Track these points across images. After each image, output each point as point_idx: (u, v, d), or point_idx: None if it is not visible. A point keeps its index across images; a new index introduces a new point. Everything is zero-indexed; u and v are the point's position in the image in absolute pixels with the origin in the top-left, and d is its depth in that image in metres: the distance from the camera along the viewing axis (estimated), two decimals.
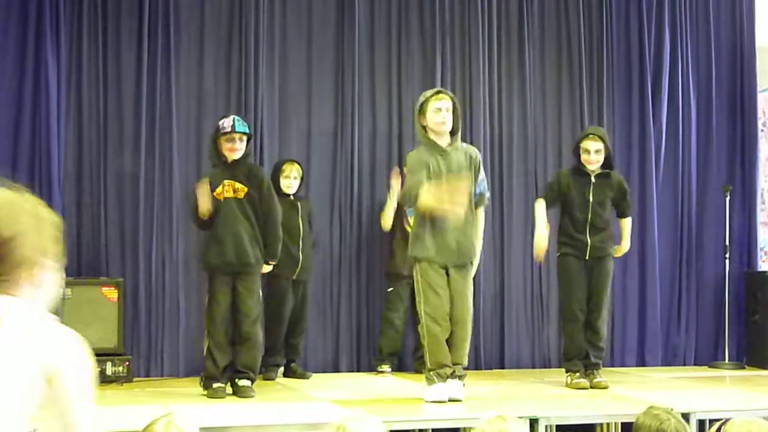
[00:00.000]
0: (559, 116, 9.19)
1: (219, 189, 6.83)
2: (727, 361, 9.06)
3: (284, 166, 7.90)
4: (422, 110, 6.58)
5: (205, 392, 6.75)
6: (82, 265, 7.88)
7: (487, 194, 6.81)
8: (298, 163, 8.03)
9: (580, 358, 7.43)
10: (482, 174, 6.71)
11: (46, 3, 7.76)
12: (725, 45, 9.63)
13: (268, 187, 6.99)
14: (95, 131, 8.00)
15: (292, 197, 7.86)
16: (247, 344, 6.82)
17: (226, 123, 6.89)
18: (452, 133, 6.62)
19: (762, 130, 9.75)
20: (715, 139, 9.48)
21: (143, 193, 8.02)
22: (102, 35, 8.03)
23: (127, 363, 7.46)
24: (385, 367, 8.12)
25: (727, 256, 9.17)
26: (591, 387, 7.29)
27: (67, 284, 7.39)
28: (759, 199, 9.58)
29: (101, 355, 7.40)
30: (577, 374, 7.38)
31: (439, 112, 6.52)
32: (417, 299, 6.58)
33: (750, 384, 8.12)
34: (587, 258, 7.43)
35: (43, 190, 7.68)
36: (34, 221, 2.39)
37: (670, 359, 9.22)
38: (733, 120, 9.57)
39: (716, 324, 9.29)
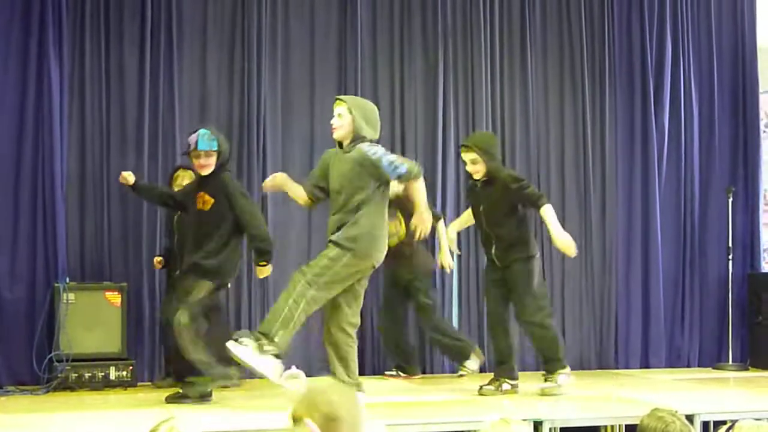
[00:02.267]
0: (562, 119, 9.19)
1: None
2: (731, 362, 9.05)
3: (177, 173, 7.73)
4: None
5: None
6: (86, 270, 7.89)
7: (403, 168, 6.35)
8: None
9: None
10: (382, 159, 6.34)
11: (48, 6, 7.77)
12: (727, 46, 9.63)
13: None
14: (98, 135, 8.01)
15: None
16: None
17: (191, 139, 6.85)
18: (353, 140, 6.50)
19: (764, 131, 9.74)
20: (717, 140, 9.48)
21: None
22: (104, 38, 8.05)
23: (130, 367, 7.47)
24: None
25: (731, 257, 9.17)
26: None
27: (71, 289, 7.41)
28: (762, 201, 9.57)
29: (105, 359, 7.42)
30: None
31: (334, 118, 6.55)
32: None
33: (754, 385, 8.11)
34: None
35: (47, 194, 7.71)
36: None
37: (673, 361, 9.22)
38: (735, 121, 9.57)
39: (720, 325, 9.29)
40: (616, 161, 9.24)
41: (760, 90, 9.63)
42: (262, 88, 8.36)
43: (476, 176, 7.13)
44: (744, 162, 9.55)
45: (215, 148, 6.79)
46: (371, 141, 6.48)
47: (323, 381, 2.87)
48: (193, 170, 7.08)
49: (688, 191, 9.37)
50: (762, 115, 9.67)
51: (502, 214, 7.11)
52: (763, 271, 9.47)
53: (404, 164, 6.37)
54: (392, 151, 8.62)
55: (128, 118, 8.09)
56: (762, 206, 9.56)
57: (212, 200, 6.78)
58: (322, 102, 8.59)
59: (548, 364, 7.23)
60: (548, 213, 6.93)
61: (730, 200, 9.19)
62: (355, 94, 8.54)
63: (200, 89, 8.33)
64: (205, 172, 6.81)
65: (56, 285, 7.44)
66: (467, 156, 7.12)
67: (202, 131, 6.81)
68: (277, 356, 6.20)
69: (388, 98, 8.77)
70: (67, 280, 7.49)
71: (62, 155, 7.79)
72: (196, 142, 6.75)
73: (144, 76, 8.09)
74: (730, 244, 9.18)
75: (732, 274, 9.18)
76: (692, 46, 9.47)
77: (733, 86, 9.60)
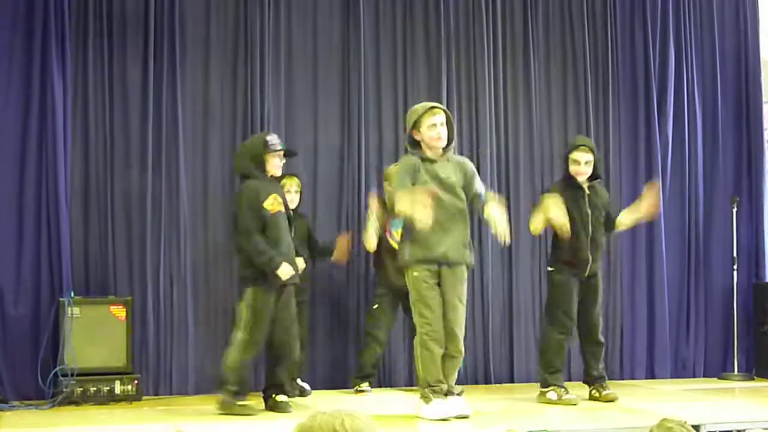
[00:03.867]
0: (565, 128, 9.19)
1: (271, 201, 6.91)
2: (736, 372, 9.03)
3: (283, 181, 7.81)
4: (416, 125, 6.60)
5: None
6: (90, 283, 7.88)
7: (491, 191, 6.81)
8: (297, 176, 8.01)
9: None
10: (477, 178, 6.72)
11: (51, 20, 7.77)
12: (730, 56, 9.64)
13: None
14: (102, 148, 8.01)
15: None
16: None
17: (275, 139, 7.08)
18: (446, 146, 6.66)
19: None
20: (721, 150, 9.48)
21: (150, 210, 8.02)
22: (108, 51, 8.05)
23: (136, 381, 7.47)
24: (365, 386, 8.05)
25: (735, 267, 9.17)
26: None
27: (75, 303, 7.40)
28: (766, 210, 9.56)
29: (110, 374, 7.41)
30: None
31: (434, 128, 6.56)
32: (413, 312, 6.59)
33: (760, 395, 8.11)
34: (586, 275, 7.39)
35: (50, 208, 7.70)
36: None
37: (679, 371, 9.21)
38: (739, 131, 9.57)
39: (725, 335, 9.28)
40: (619, 171, 9.24)
41: (764, 100, 9.63)
42: (265, 97, 8.37)
43: (583, 177, 7.36)
44: (748, 172, 9.55)
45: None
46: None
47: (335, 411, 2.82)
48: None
49: (693, 201, 9.37)
50: (766, 125, 9.67)
51: (602, 220, 7.43)
52: (767, 280, 9.46)
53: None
54: (396, 159, 8.63)
55: (132, 131, 8.09)
56: (767, 216, 9.55)
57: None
58: (326, 111, 8.62)
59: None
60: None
61: (735, 210, 9.18)
62: (358, 102, 8.61)
63: (203, 100, 8.34)
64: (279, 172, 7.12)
65: (61, 299, 7.44)
66: (586, 156, 7.33)
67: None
68: None
69: (392, 105, 8.77)
70: (72, 294, 7.49)
71: (66, 169, 7.79)
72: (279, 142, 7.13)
73: (147, 88, 8.10)
74: (735, 254, 9.18)
75: (737, 283, 9.17)
76: (695, 57, 9.48)
77: (737, 96, 9.61)
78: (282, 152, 7.06)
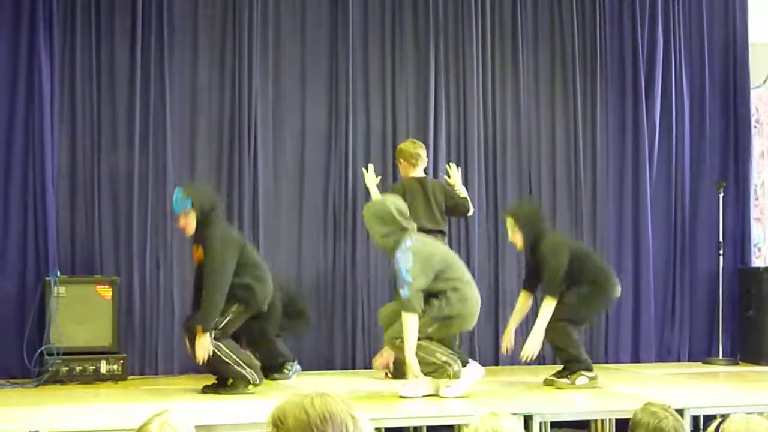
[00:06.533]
0: (553, 115, 9.19)
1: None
2: (721, 356, 9.06)
3: None
4: None
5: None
6: (77, 263, 7.88)
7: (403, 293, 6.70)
8: None
9: None
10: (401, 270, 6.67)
11: (39, 1, 7.74)
12: (718, 41, 9.64)
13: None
14: (89, 129, 7.99)
15: None
16: None
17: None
18: None
19: (755, 127, 9.76)
20: (708, 135, 9.49)
21: (137, 191, 8.02)
22: (95, 33, 8.02)
23: (121, 361, 7.47)
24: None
25: (721, 252, 9.19)
26: None
27: (62, 283, 7.40)
28: (752, 195, 9.59)
29: (96, 353, 7.41)
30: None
31: None
32: None
33: (744, 380, 8.14)
34: None
35: (37, 189, 7.69)
36: None
37: (664, 355, 9.23)
38: (726, 116, 9.58)
39: (710, 320, 9.31)
40: (606, 156, 9.24)
41: (752, 85, 9.64)
42: (253, 83, 8.35)
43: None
44: (735, 157, 9.56)
45: (189, 207, 6.89)
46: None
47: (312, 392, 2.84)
48: None
49: (679, 186, 9.38)
50: (753, 110, 9.69)
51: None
52: (753, 265, 9.49)
53: (406, 292, 6.53)
54: (384, 146, 8.69)
55: (119, 113, 8.07)
56: (752, 201, 9.58)
57: (202, 252, 6.95)
58: (314, 97, 8.59)
59: None
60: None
61: (721, 195, 9.20)
62: (346, 90, 8.57)
63: (191, 84, 8.31)
64: (189, 232, 6.98)
65: (47, 278, 7.43)
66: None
67: (177, 191, 6.99)
68: None
69: (380, 92, 8.76)
70: (58, 273, 7.49)
71: (53, 149, 7.78)
72: (172, 206, 6.96)
73: (135, 71, 8.07)
74: (721, 239, 9.19)
75: (722, 268, 9.19)
76: (683, 41, 9.47)
77: (725, 81, 9.61)
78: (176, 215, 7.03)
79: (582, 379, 7.21)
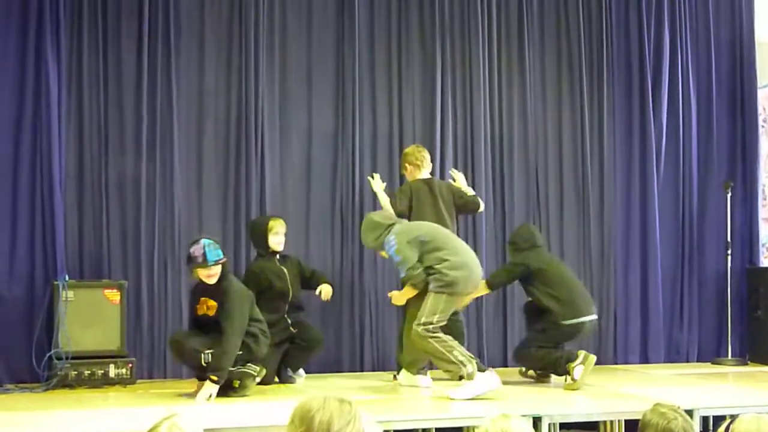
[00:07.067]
0: (560, 115, 9.19)
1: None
2: (729, 357, 9.05)
3: (271, 223, 7.76)
4: None
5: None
6: (85, 267, 7.89)
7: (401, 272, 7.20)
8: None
9: None
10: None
11: (46, 4, 7.75)
12: (725, 41, 9.63)
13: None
14: (96, 134, 8.00)
15: (278, 257, 7.78)
16: None
17: (196, 251, 6.87)
18: None
19: (762, 126, 9.74)
20: (715, 135, 9.48)
21: (145, 194, 8.02)
22: (102, 37, 8.03)
23: (130, 365, 7.47)
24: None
25: (729, 252, 9.17)
26: None
27: (70, 287, 7.40)
28: (760, 195, 9.57)
29: (104, 357, 7.42)
30: None
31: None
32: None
33: (753, 380, 8.12)
34: None
35: (45, 193, 7.70)
36: None
37: (672, 356, 9.22)
38: (733, 116, 9.57)
39: (719, 320, 9.30)
40: (614, 157, 9.24)
41: (759, 85, 9.63)
42: (259, 85, 8.36)
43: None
44: (742, 157, 9.55)
45: (221, 257, 6.91)
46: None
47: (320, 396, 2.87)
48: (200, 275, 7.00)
49: (687, 187, 9.37)
50: (760, 110, 9.67)
51: None
52: (761, 265, 9.47)
53: (403, 272, 7.07)
54: (390, 147, 8.69)
55: (126, 117, 8.08)
56: (760, 201, 9.57)
57: (216, 305, 6.92)
58: (320, 98, 8.60)
59: None
60: None
61: (729, 195, 9.19)
62: (353, 92, 8.57)
63: (198, 87, 8.32)
64: (214, 281, 6.91)
65: (55, 283, 7.43)
66: None
67: (205, 242, 6.88)
68: None
69: (386, 95, 8.76)
70: (66, 277, 7.49)
71: (60, 153, 7.78)
72: (204, 256, 6.81)
73: (142, 74, 8.08)
74: (729, 239, 9.18)
75: (730, 268, 9.18)
76: (690, 41, 9.47)
77: (732, 81, 9.60)
78: (198, 266, 6.87)
79: (577, 370, 7.27)
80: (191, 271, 6.99)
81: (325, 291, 7.81)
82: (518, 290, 8.77)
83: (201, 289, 7.03)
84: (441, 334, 6.86)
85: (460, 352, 6.81)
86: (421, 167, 7.95)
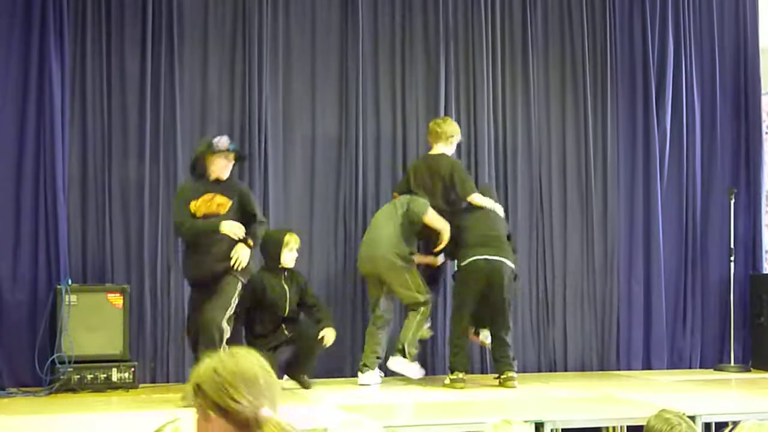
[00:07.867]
0: (564, 121, 9.18)
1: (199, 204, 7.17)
2: (732, 363, 9.04)
3: (286, 237, 7.70)
4: None
5: None
6: (88, 271, 7.89)
7: None
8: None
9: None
10: None
11: (49, 10, 7.77)
12: (729, 47, 9.63)
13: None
14: (100, 138, 8.01)
15: (285, 273, 7.73)
16: None
17: (221, 141, 7.17)
18: None
19: (766, 133, 9.74)
20: (719, 141, 9.47)
21: (148, 199, 8.03)
22: (106, 43, 8.04)
23: (132, 369, 7.46)
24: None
25: (732, 258, 9.17)
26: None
27: (73, 291, 7.40)
28: (764, 202, 9.57)
29: (107, 361, 7.42)
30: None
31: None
32: None
33: (756, 386, 8.12)
34: None
35: (48, 197, 7.71)
36: None
37: (675, 362, 9.22)
38: (737, 122, 9.57)
39: (722, 326, 9.29)
40: (617, 163, 9.23)
41: (763, 91, 9.63)
42: (263, 90, 8.37)
43: None
44: (746, 163, 9.54)
45: (234, 149, 7.28)
46: None
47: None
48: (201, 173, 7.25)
49: (690, 193, 9.37)
50: (764, 116, 9.67)
51: None
52: (764, 272, 9.46)
53: None
54: (394, 153, 8.70)
55: (130, 121, 8.08)
56: (764, 207, 9.56)
57: (229, 202, 7.10)
58: (324, 104, 8.60)
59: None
60: None
61: (732, 201, 9.18)
62: (357, 96, 8.59)
63: (201, 92, 8.33)
64: (227, 174, 7.20)
65: (58, 287, 7.44)
66: None
67: (224, 137, 7.25)
68: None
69: (390, 100, 8.77)
70: (69, 281, 7.49)
71: (64, 158, 7.79)
72: (229, 143, 7.17)
73: (145, 80, 8.09)
74: (732, 245, 9.18)
75: (734, 275, 9.17)
76: (694, 47, 9.47)
77: (735, 87, 9.60)
78: (228, 154, 7.15)
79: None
80: (204, 158, 7.18)
81: (327, 337, 7.65)
82: (523, 291, 8.79)
83: (202, 188, 7.16)
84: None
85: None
86: (432, 142, 8.25)
